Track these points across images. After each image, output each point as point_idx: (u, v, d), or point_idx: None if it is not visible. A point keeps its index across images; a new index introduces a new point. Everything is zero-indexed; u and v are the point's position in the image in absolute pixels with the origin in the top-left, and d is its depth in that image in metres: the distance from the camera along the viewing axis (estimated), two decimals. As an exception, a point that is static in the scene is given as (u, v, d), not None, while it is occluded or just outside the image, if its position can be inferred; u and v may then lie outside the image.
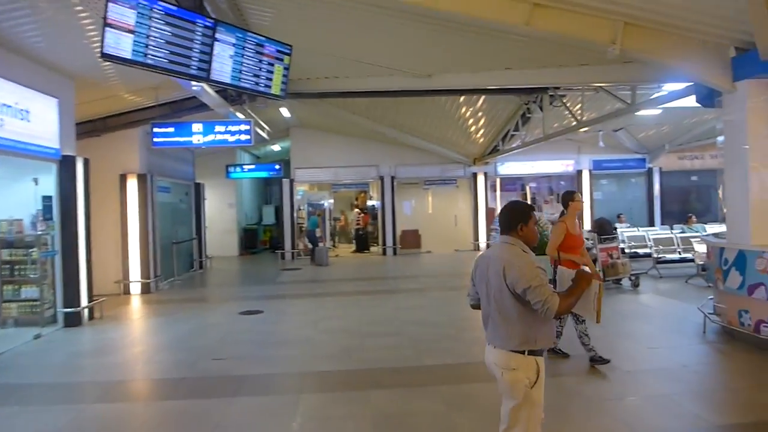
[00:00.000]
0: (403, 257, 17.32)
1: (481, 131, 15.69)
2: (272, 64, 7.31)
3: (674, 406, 4.64)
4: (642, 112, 11.67)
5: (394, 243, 17.97)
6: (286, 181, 17.74)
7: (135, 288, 11.16)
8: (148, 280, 11.21)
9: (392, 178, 17.99)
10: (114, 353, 6.88)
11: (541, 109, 12.36)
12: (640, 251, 12.57)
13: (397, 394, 5.04)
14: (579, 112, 11.57)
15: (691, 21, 5.79)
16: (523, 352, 2.87)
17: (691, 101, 11.15)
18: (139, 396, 5.53)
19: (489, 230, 18.19)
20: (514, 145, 15.60)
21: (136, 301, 10.55)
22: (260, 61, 7.13)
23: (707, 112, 14.03)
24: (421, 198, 19.14)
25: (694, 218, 14.51)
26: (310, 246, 16.84)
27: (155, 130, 10.22)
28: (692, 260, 10.94)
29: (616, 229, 12.56)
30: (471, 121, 14.71)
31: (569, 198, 5.95)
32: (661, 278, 11.03)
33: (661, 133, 17.00)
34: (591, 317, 3.04)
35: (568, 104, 11.89)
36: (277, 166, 18.14)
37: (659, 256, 11.47)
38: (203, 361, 6.29)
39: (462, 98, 12.61)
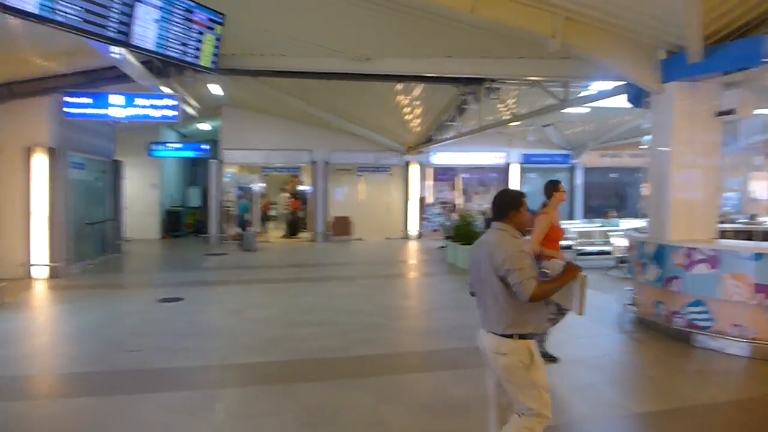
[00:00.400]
0: (334, 244, 17.09)
1: (418, 120, 15.67)
2: (202, 33, 6.81)
3: (597, 395, 4.76)
4: (571, 110, 12.05)
5: (325, 229, 17.70)
6: (214, 162, 16.96)
7: (42, 272, 10.22)
8: (57, 264, 10.31)
9: (325, 163, 17.66)
10: (15, 345, 6.21)
11: (477, 101, 12.48)
12: (562, 243, 13.01)
13: (325, 387, 4.85)
14: (514, 105, 11.78)
15: (627, 21, 5.92)
16: (512, 336, 2.94)
17: (616, 101, 11.65)
18: (41, 393, 4.98)
19: (421, 219, 18.32)
20: (448, 136, 15.72)
21: (42, 286, 9.66)
22: (189, 28, 6.61)
23: (628, 114, 14.82)
24: (354, 185, 18.93)
25: (612, 213, 15.26)
26: (239, 230, 16.23)
27: (68, 99, 9.28)
28: (610, 253, 11.45)
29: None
30: (408, 109, 14.63)
31: (554, 188, 5.49)
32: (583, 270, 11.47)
33: (585, 131, 17.73)
34: (577, 309, 3.07)
35: (503, 97, 12.08)
36: (204, 146, 17.27)
37: (580, 248, 11.92)
38: (115, 354, 5.80)
39: (400, 86, 12.48)
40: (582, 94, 10.33)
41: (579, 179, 19.76)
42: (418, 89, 12.82)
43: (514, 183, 19.06)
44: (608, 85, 9.26)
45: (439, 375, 5.18)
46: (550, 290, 2.95)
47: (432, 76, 10.65)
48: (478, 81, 11.50)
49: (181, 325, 6.98)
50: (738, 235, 8.12)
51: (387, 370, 5.35)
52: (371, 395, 4.65)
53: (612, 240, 11.11)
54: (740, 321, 5.63)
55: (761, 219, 10.70)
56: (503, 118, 14.21)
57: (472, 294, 3.29)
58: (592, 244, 12.13)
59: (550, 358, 5.38)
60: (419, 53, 8.35)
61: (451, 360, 5.59)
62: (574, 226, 13.88)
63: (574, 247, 11.92)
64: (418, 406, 4.44)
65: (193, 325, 7.08)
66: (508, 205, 3.10)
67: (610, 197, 20.43)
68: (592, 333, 6.66)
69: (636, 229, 7.93)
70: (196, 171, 21.75)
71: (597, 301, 8.52)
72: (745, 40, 5.74)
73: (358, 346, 6.08)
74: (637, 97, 7.48)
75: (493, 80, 11.48)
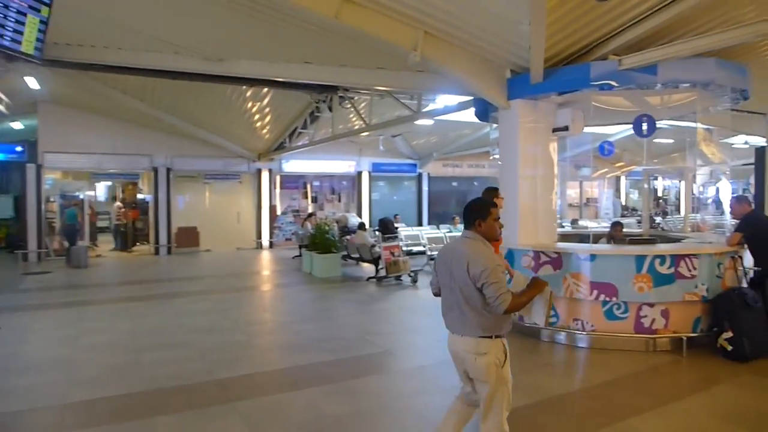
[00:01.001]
0: (180, 257, 15.84)
1: (268, 127, 15.24)
2: (24, 14, 5.80)
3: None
4: (420, 121, 12.66)
5: (169, 241, 16.32)
6: (31, 167, 14.63)
7: None
8: None
9: (168, 169, 16.30)
10: None
11: (330, 109, 12.51)
12: (415, 249, 13.61)
13: (189, 418, 4.37)
14: (366, 115, 12.01)
15: (481, 40, 6.33)
16: (490, 337, 3.07)
17: (461, 116, 12.54)
18: None
19: (272, 228, 17.82)
20: (300, 143, 15.54)
21: None
22: (7, 6, 5.58)
23: (467, 128, 16.07)
24: (201, 193, 17.78)
25: (458, 219, 16.35)
26: (66, 244, 14.22)
27: None
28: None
29: (397, 228, 13.35)
30: (258, 116, 14.16)
31: (495, 194, 5.43)
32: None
33: (430, 142, 18.80)
34: (541, 321, 3.26)
35: (357, 107, 12.26)
36: (18, 148, 14.86)
37: (433, 253, 12.52)
38: None
39: (249, 92, 12.02)
40: (430, 107, 10.90)
41: (425, 187, 20.86)
42: (267, 96, 12.46)
43: (365, 191, 19.49)
44: (455, 99, 9.91)
45: (310, 392, 4.97)
46: (522, 304, 3.12)
47: (287, 82, 10.43)
48: (332, 89, 11.54)
49: (2, 360, 5.83)
50: (569, 238, 9.16)
51: (256, 391, 5.00)
52: (243, 421, 4.29)
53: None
54: (580, 315, 6.30)
55: (582, 223, 12.28)
56: (355, 127, 14.48)
57: (436, 294, 3.38)
58: (442, 249, 12.80)
59: None
60: (277, 57, 8.08)
61: (320, 375, 5.42)
62: (425, 231, 14.57)
63: (427, 252, 12.48)
64: (294, 428, 4.20)
65: (18, 358, 5.96)
66: (475, 213, 3.18)
67: (452, 204, 21.89)
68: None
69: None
70: (6, 177, 18.56)
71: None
72: (576, 66, 6.49)
73: (221, 368, 5.61)
74: (484, 112, 8.06)
75: (346, 89, 11.62)
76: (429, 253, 12.45)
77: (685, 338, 5.94)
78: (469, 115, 13.20)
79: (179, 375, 5.38)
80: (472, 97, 8.39)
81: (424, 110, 10.63)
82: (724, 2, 5.75)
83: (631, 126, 6.91)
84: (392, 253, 11.14)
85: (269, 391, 5.04)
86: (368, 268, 12.19)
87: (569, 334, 6.34)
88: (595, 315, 6.18)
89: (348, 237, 13.11)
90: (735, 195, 8.05)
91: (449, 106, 10.12)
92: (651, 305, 6.07)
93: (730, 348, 5.68)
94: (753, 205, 6.90)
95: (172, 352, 6.19)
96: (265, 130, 15.48)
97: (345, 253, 12.77)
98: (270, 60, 8.10)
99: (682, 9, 5.49)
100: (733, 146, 14.50)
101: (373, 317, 8.13)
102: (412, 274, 10.95)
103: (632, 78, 6.22)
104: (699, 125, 7.11)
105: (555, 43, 6.13)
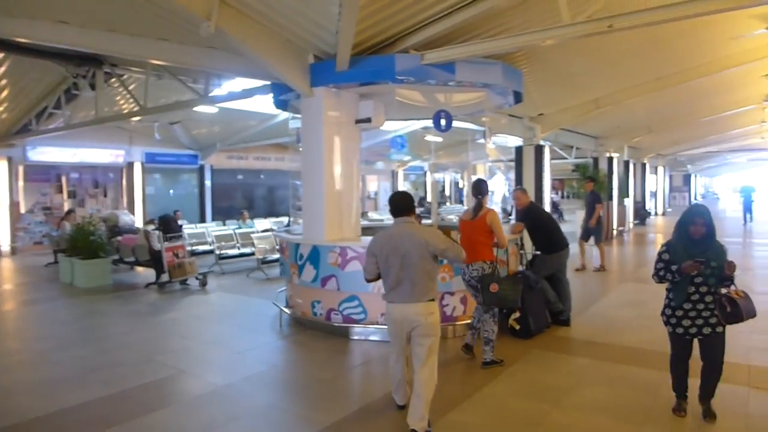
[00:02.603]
0: None
1: (5, 104, 12.21)
2: None
3: (282, 414, 4.42)
4: (203, 108, 11.49)
5: None
6: None
7: None
8: None
9: None
10: None
11: (92, 87, 10.50)
12: (201, 248, 12.39)
13: None
14: (140, 97, 10.38)
15: (285, 18, 5.76)
16: (433, 300, 3.90)
17: (249, 104, 11.74)
18: None
19: (15, 230, 14.52)
20: (53, 126, 12.89)
21: None
22: None
23: (255, 118, 15.25)
24: None
25: (246, 214, 15.46)
26: None
27: None
28: (252, 254, 11.42)
29: (182, 226, 11.93)
30: (-11, 88, 11.22)
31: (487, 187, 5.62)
32: (224, 274, 11.10)
33: (213, 131, 17.42)
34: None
35: (127, 86, 10.55)
36: None
37: (222, 252, 11.50)
38: None
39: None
40: (214, 92, 9.81)
41: (207, 180, 19.31)
42: (6, 62, 9.89)
43: (137, 184, 17.17)
44: (242, 85, 9.09)
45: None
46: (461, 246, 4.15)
47: (32, 46, 8.33)
48: (96, 61, 9.68)
49: None
50: (367, 232, 9.15)
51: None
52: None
53: (255, 242, 11.06)
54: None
55: (371, 215, 12.56)
56: (125, 110, 12.53)
57: (369, 280, 4.08)
58: (233, 247, 11.86)
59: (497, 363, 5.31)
60: (16, 9, 6.22)
61: (95, 417, 4.24)
62: (212, 229, 13.38)
63: (216, 252, 11.40)
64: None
65: None
66: (412, 202, 4.06)
67: (238, 199, 20.75)
68: (253, 344, 6.28)
69: (288, 231, 7.99)
70: None
71: (247, 307, 8.26)
72: (382, 57, 6.36)
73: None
74: (284, 100, 7.51)
75: (115, 63, 9.88)
76: (218, 252, 11.40)
77: (481, 323, 6.31)
78: (257, 104, 12.56)
79: None
80: (267, 83, 7.76)
81: (214, 94, 9.55)
82: (512, 10, 6.18)
83: (431, 120, 7.10)
84: (176, 255, 9.86)
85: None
86: (147, 274, 10.61)
87: (378, 329, 6.20)
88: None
89: (119, 238, 11.25)
90: (520, 187, 8.99)
91: (234, 93, 9.29)
92: (452, 294, 6.31)
93: (518, 327, 6.20)
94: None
95: None
96: (0, 107, 12.37)
97: (117, 257, 10.94)
98: (6, 13, 6.23)
99: (478, 11, 5.73)
100: (506, 146, 16.39)
101: (159, 332, 6.94)
102: (200, 277, 9.83)
103: (433, 74, 6.33)
104: (473, 125, 7.66)
105: (361, 30, 5.88)
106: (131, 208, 16.61)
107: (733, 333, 6.22)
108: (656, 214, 27.93)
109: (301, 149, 7.01)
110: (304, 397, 4.80)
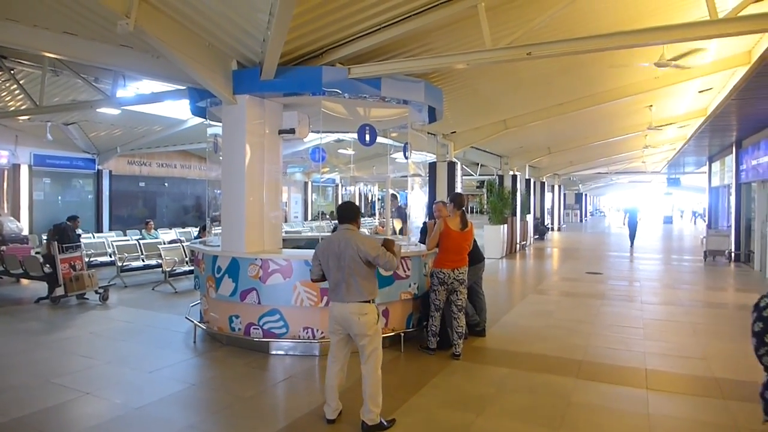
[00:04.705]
0: None
1: None
2: None
3: (204, 437, 4.19)
4: (104, 110, 10.75)
5: None
6: None
7: None
8: None
9: None
10: None
11: (-24, 80, 9.47)
12: (100, 260, 11.52)
13: None
14: (35, 94, 9.49)
15: (209, 21, 5.53)
16: (369, 302, 4.13)
17: (154, 108, 11.16)
18: None
19: None
20: None
21: None
22: None
23: (160, 123, 14.50)
24: None
25: (152, 224, 14.59)
26: None
27: None
28: (158, 266, 10.79)
29: (80, 236, 11.00)
30: None
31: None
32: (126, 287, 10.37)
33: (113, 135, 16.29)
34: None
35: (20, 80, 9.61)
36: None
37: (124, 264, 10.74)
38: None
39: None
40: (119, 93, 9.18)
41: (106, 187, 17.97)
42: None
43: (24, 189, 15.60)
44: (152, 87, 8.63)
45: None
46: (396, 256, 4.24)
47: None
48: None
49: None
50: (286, 243, 8.97)
51: None
52: None
53: (163, 253, 10.45)
54: (310, 323, 6.12)
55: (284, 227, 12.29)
56: (11, 108, 11.42)
57: (315, 280, 4.38)
58: (137, 259, 11.13)
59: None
60: None
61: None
62: (113, 239, 12.47)
63: (117, 263, 10.62)
64: None
65: None
66: (357, 212, 4.38)
67: (140, 207, 19.51)
68: (166, 363, 5.90)
69: (203, 242, 7.64)
70: None
71: (156, 323, 7.77)
72: (309, 68, 6.33)
73: None
74: (201, 107, 7.23)
75: (3, 56, 8.96)
76: (120, 264, 10.63)
77: (402, 334, 6.41)
78: (164, 108, 11.95)
79: None
80: (181, 87, 7.42)
81: (117, 96, 8.93)
82: (437, 31, 6.41)
83: (355, 134, 7.15)
84: (73, 267, 9.07)
85: None
86: (35, 287, 9.66)
87: (300, 344, 6.10)
88: (325, 322, 6.07)
89: (4, 247, 10.17)
90: (441, 200, 9.18)
91: (143, 95, 8.76)
92: (373, 306, 6.35)
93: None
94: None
95: None
96: None
97: (0, 268, 9.88)
98: None
99: (405, 30, 5.88)
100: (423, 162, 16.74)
101: (55, 351, 6.31)
102: (101, 291, 9.10)
103: (360, 88, 6.40)
104: (390, 140, 7.80)
105: (289, 40, 5.78)
106: (16, 215, 15.05)
107: (628, 340, 6.84)
108: (553, 229, 29.94)
109: (220, 158, 6.75)
110: (227, 417, 4.57)
